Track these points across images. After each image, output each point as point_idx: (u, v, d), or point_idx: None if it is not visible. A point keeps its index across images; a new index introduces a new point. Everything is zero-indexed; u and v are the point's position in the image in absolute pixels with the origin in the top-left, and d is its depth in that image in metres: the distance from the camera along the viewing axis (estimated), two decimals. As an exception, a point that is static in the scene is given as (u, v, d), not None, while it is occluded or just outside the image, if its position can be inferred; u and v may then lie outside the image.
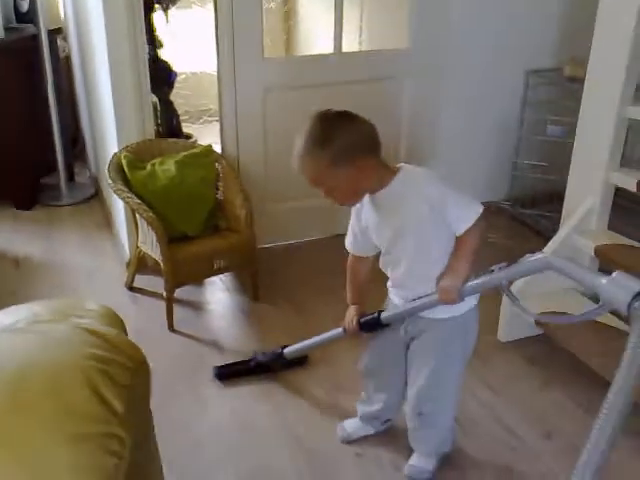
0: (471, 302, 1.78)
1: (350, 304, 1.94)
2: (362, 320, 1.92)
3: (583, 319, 1.57)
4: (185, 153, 2.76)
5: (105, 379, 0.70)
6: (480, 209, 1.63)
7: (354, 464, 2.03)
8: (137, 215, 2.62)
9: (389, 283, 1.87)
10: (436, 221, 1.63)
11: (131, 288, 2.89)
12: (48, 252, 3.24)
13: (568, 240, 2.56)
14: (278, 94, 3.05)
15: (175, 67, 3.31)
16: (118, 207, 3.01)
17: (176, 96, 3.40)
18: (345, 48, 3.22)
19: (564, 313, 2.42)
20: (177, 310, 2.69)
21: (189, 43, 3.60)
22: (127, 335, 1.56)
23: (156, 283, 2.74)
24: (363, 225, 1.77)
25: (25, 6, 3.54)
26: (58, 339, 0.76)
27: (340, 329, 1.99)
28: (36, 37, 3.47)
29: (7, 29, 3.44)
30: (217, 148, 3.02)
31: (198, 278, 2.82)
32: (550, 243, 2.59)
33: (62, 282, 2.97)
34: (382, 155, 1.64)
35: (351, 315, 1.93)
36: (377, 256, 1.85)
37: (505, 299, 2.57)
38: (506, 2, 3.27)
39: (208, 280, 2.96)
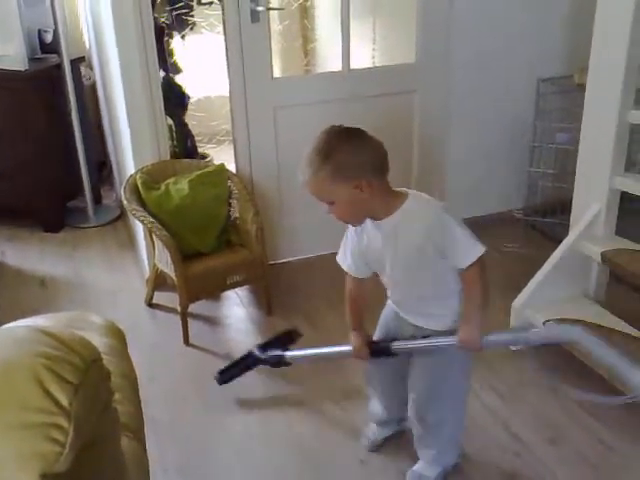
0: None
1: (353, 330, 1.90)
2: (374, 346, 1.90)
3: (621, 401, 1.57)
4: (198, 172, 2.85)
5: (52, 375, 0.77)
6: (482, 249, 1.64)
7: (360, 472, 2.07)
8: (153, 234, 2.72)
9: (391, 298, 1.89)
10: (436, 255, 1.64)
11: (150, 304, 2.99)
12: (73, 272, 3.37)
13: (575, 247, 2.57)
14: (288, 112, 3.12)
15: (188, 90, 3.43)
16: (138, 227, 3.12)
17: (190, 118, 3.52)
18: (359, 64, 3.29)
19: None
20: (193, 325, 2.77)
21: (201, 67, 3.72)
22: (127, 346, 1.65)
23: (174, 299, 2.82)
24: (364, 247, 1.75)
25: (49, 37, 3.71)
26: (14, 338, 0.84)
27: (347, 347, 1.93)
28: (60, 66, 3.63)
29: (32, 59, 3.60)
30: (231, 167, 3.11)
31: (211, 293, 2.90)
32: (557, 250, 2.60)
33: (85, 300, 3.08)
34: (388, 179, 1.64)
35: (359, 342, 1.88)
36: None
37: (514, 307, 2.58)
38: (516, 11, 3.30)
39: (224, 295, 3.04)
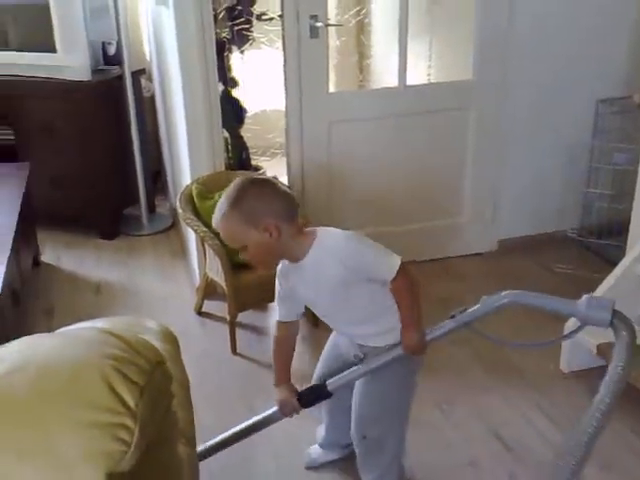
0: None
1: (279, 385, 1.92)
2: (306, 395, 1.89)
3: (560, 341, 1.60)
4: (251, 184, 2.89)
5: (120, 376, 0.80)
6: (398, 259, 1.70)
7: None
8: (205, 243, 2.77)
9: (327, 324, 1.92)
10: (359, 279, 1.71)
11: (200, 313, 3.04)
12: (127, 278, 3.44)
13: (632, 269, 2.51)
14: (343, 127, 3.15)
15: (245, 104, 3.49)
16: (190, 236, 3.18)
17: (246, 131, 3.57)
18: (415, 81, 3.30)
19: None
20: (241, 334, 2.80)
21: (258, 81, 3.78)
22: (180, 352, 1.68)
23: (223, 308, 2.86)
24: (289, 290, 1.80)
25: (112, 49, 3.82)
26: (83, 340, 0.87)
27: (273, 410, 1.94)
28: (121, 78, 3.74)
29: (95, 71, 3.71)
30: (284, 179, 3.15)
31: (260, 303, 2.93)
32: (613, 273, 2.55)
33: (138, 306, 3.15)
34: (296, 226, 1.70)
35: (286, 396, 1.89)
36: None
37: (567, 328, 2.53)
38: (576, 31, 3.27)
39: (272, 305, 3.06)
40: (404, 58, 3.12)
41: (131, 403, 0.79)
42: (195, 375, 2.22)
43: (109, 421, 0.77)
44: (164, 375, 0.88)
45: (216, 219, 1.68)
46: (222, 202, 1.67)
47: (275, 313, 1.89)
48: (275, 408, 1.93)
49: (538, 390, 2.49)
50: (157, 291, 3.30)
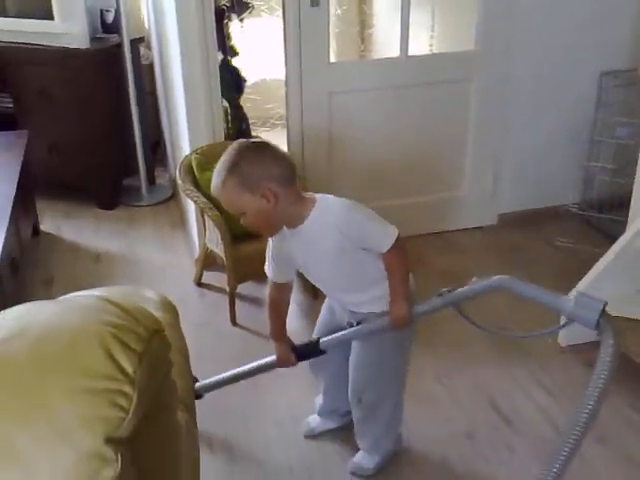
0: None
1: (276, 340, 1.97)
2: (299, 348, 1.95)
3: (547, 334, 1.69)
4: (251, 155, 2.87)
5: (118, 343, 0.80)
6: (395, 231, 1.72)
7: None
8: (204, 214, 2.76)
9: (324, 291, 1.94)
10: (355, 248, 1.71)
11: (199, 284, 3.04)
12: (126, 249, 3.44)
13: (633, 244, 2.50)
14: (343, 97, 3.12)
15: (245, 73, 3.45)
16: (190, 207, 3.16)
17: (245, 101, 3.54)
18: (417, 51, 3.26)
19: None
20: (241, 305, 2.81)
21: (258, 50, 3.74)
22: (179, 321, 1.68)
23: (222, 279, 2.86)
24: (285, 253, 1.80)
25: (110, 17, 3.76)
26: (81, 307, 0.86)
27: (271, 358, 2.00)
28: (120, 46, 3.69)
29: (93, 39, 3.67)
30: (284, 149, 3.12)
31: (259, 275, 2.89)
32: (613, 247, 2.54)
33: (137, 276, 3.15)
34: (295, 190, 1.69)
35: (282, 351, 1.96)
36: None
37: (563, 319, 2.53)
38: (580, 1, 3.22)
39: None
40: (406, 28, 3.07)
41: (129, 370, 0.79)
42: (194, 346, 2.23)
43: (107, 387, 0.77)
44: (162, 342, 0.88)
45: (214, 185, 1.67)
46: (219, 168, 1.66)
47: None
48: (273, 357, 1.99)
49: (536, 364, 2.50)
50: (157, 262, 3.30)
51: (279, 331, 1.97)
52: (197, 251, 3.14)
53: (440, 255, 3.25)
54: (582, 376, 2.41)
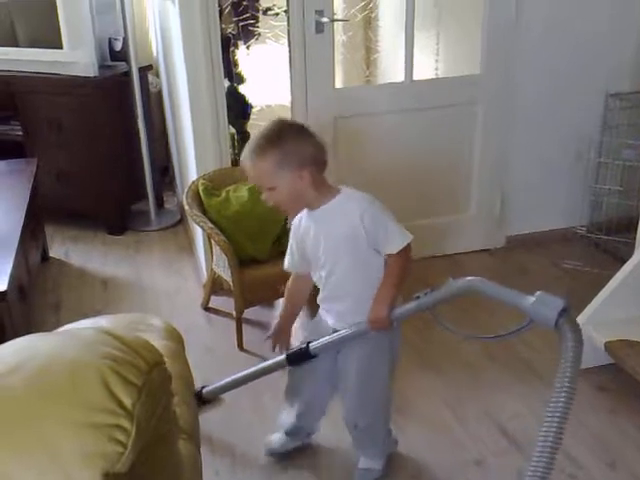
0: None
1: (280, 317, 2.04)
2: (289, 353, 1.98)
3: (511, 336, 1.64)
4: (257, 180, 2.88)
5: (117, 377, 0.80)
6: (409, 238, 1.76)
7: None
8: (211, 239, 2.77)
9: (320, 297, 1.94)
10: (369, 243, 1.74)
11: (207, 308, 3.04)
12: (134, 274, 3.45)
13: (640, 266, 2.49)
14: (348, 122, 3.14)
15: (251, 99, 3.49)
16: (198, 232, 3.18)
17: (252, 127, 3.57)
18: (422, 75, 3.29)
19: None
20: (247, 330, 2.80)
21: (264, 77, 3.77)
22: (184, 349, 1.68)
23: (230, 304, 2.86)
24: (299, 240, 1.85)
25: (119, 45, 3.81)
26: (81, 340, 0.87)
27: (272, 361, 2.08)
28: (128, 74, 3.74)
29: (102, 67, 3.71)
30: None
31: (266, 300, 2.92)
32: (622, 269, 2.53)
33: (145, 301, 3.15)
34: (324, 175, 1.75)
35: (280, 326, 2.02)
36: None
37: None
38: (586, 24, 3.23)
39: (278, 301, 3.06)
40: (411, 53, 3.10)
41: (128, 404, 0.79)
42: (201, 370, 2.24)
43: (106, 422, 0.77)
44: (163, 375, 0.88)
45: (248, 155, 1.69)
46: (259, 139, 1.68)
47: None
48: (274, 359, 2.05)
49: (546, 387, 2.46)
50: (164, 287, 3.31)
51: (287, 317, 2.02)
52: (204, 276, 3.15)
53: (446, 277, 3.23)
54: (593, 400, 2.39)
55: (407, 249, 1.75)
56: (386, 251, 1.75)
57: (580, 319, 2.52)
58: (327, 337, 1.90)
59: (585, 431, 2.25)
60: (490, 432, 2.29)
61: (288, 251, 1.92)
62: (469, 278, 1.68)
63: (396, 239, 1.74)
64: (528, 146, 3.40)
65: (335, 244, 1.77)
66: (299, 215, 1.84)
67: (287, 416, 2.18)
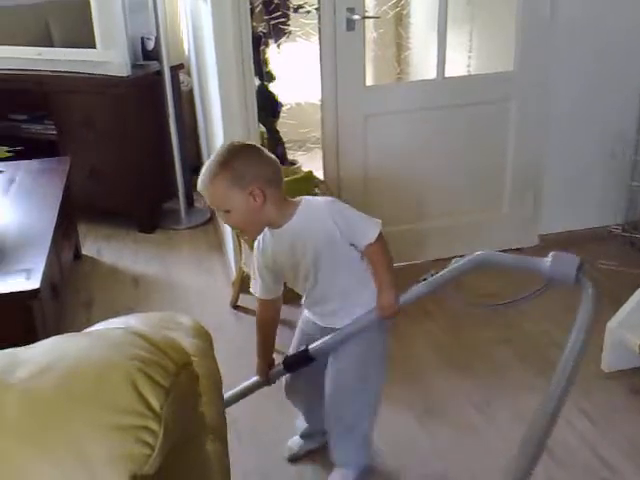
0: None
1: (258, 357, 2.01)
2: (289, 360, 1.96)
3: (529, 299, 1.65)
4: (287, 179, 2.86)
5: (145, 378, 0.79)
6: (379, 223, 1.78)
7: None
8: (240, 238, 2.77)
9: (306, 303, 1.94)
10: (345, 241, 1.75)
11: (235, 307, 3.05)
12: (164, 272, 3.47)
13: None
14: (379, 120, 3.12)
15: (281, 98, 3.49)
16: (227, 230, 3.19)
17: (281, 125, 3.57)
18: (454, 72, 3.25)
19: None
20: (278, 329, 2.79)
21: (294, 75, 3.77)
22: (213, 348, 1.68)
23: (258, 303, 2.85)
24: (270, 262, 1.83)
25: (151, 45, 3.84)
26: (110, 341, 0.87)
27: (254, 378, 2.04)
28: (160, 73, 3.77)
29: (134, 66, 3.74)
30: (320, 173, 3.13)
31: (295, 298, 2.90)
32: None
33: (174, 299, 3.17)
34: (281, 192, 1.75)
35: (260, 367, 2.01)
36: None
37: (609, 327, 2.47)
38: (621, 21, 3.17)
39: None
40: (443, 49, 3.06)
41: (156, 406, 0.79)
42: (230, 369, 2.24)
43: (134, 424, 0.77)
44: (191, 376, 0.88)
45: (202, 180, 1.71)
46: (210, 164, 1.70)
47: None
48: (255, 378, 2.04)
49: (579, 390, 2.42)
50: (194, 285, 3.33)
51: (265, 351, 2.01)
52: (234, 274, 3.15)
53: (478, 276, 3.18)
54: (626, 402, 2.34)
55: (380, 235, 1.77)
56: (364, 242, 1.77)
57: (614, 320, 2.47)
58: (328, 337, 1.88)
59: (619, 434, 2.20)
60: (520, 434, 2.25)
61: (256, 277, 1.89)
62: (476, 253, 1.67)
63: (370, 228, 1.76)
64: (562, 143, 3.34)
65: (315, 254, 1.76)
66: (260, 237, 1.82)
67: (300, 419, 2.19)
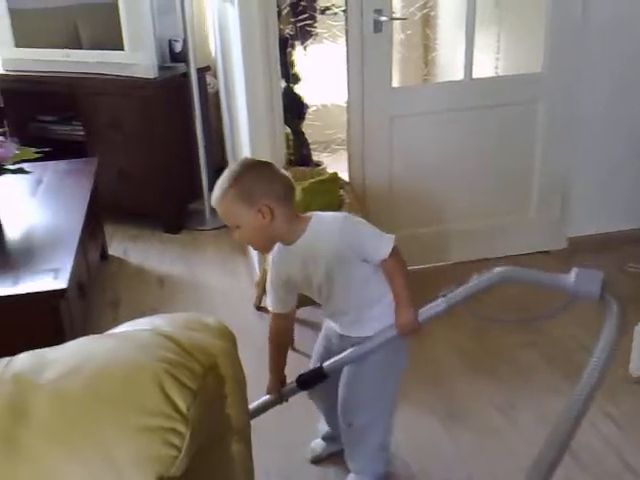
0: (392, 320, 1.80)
1: (270, 373, 1.99)
2: (303, 378, 1.94)
3: (552, 315, 1.61)
4: (312, 180, 2.88)
5: (172, 380, 0.80)
6: (393, 237, 1.76)
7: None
8: (266, 239, 2.78)
9: (325, 313, 1.93)
10: (356, 257, 1.72)
11: (259, 308, 3.05)
12: (189, 272, 3.49)
13: None
14: (405, 122, 3.11)
15: (307, 99, 3.48)
16: (252, 231, 3.19)
17: (307, 127, 3.57)
18: (482, 74, 3.23)
19: None
20: (299, 330, 2.78)
21: (320, 76, 3.77)
22: (237, 349, 1.68)
23: (283, 304, 2.85)
24: (284, 275, 1.83)
25: (179, 47, 3.87)
26: (137, 342, 0.87)
27: (265, 397, 2.00)
28: (186, 75, 3.79)
29: (161, 68, 3.77)
30: (345, 175, 3.13)
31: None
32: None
33: (199, 300, 3.19)
34: (292, 209, 1.74)
35: (271, 385, 1.99)
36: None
37: (637, 331, 2.43)
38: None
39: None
40: (471, 51, 3.04)
41: (183, 408, 0.79)
42: (253, 370, 2.24)
43: (161, 425, 0.77)
44: (217, 378, 0.88)
45: (215, 196, 1.72)
46: (222, 180, 1.70)
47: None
48: (267, 397, 1.99)
49: (605, 395, 2.39)
50: (218, 285, 3.34)
51: (277, 366, 2.00)
52: (257, 275, 3.16)
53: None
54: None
55: (395, 251, 1.75)
56: (378, 258, 1.75)
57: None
58: (343, 353, 1.88)
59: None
60: (544, 437, 2.23)
61: (271, 291, 1.89)
62: (498, 269, 1.64)
63: (383, 244, 1.74)
64: (591, 145, 3.30)
65: (327, 270, 1.76)
66: (273, 252, 1.82)
67: (322, 422, 2.19)
